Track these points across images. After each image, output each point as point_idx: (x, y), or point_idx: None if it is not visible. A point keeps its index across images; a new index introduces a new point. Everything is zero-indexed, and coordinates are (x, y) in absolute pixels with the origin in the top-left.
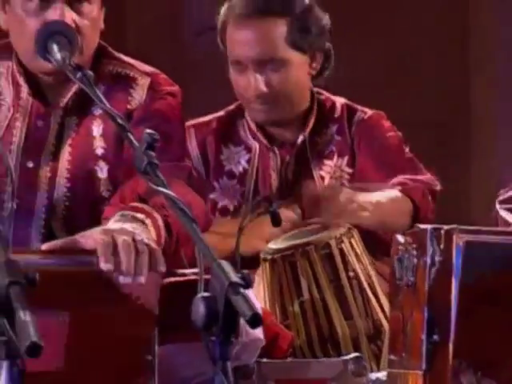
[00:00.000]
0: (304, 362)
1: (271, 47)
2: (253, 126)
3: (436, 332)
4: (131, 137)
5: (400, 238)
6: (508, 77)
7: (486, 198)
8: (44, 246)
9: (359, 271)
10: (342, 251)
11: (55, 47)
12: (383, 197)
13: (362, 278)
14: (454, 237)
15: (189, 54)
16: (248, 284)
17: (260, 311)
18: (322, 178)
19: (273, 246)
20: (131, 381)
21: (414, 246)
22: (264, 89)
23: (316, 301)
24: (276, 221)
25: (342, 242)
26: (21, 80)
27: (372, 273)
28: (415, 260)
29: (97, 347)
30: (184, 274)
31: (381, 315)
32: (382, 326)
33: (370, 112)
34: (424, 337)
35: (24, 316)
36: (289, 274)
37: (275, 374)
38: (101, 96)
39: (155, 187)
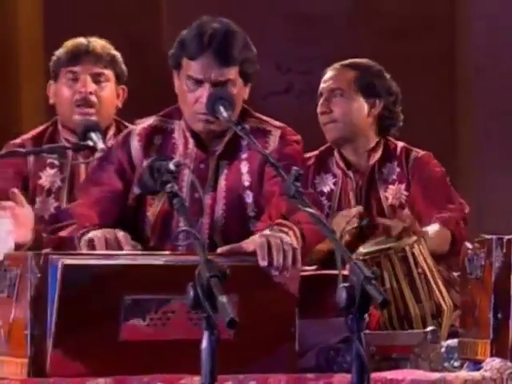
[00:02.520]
0: (395, 333)
1: None
2: (338, 159)
3: (499, 312)
4: (281, 171)
5: (468, 245)
6: (491, 127)
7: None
8: (219, 250)
9: (425, 268)
10: (413, 254)
11: (221, 108)
12: (429, 232)
13: (428, 273)
14: None
15: None
16: (377, 277)
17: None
18: (386, 198)
19: (363, 250)
20: (279, 346)
21: (482, 250)
22: None
23: (395, 289)
24: (366, 232)
25: (414, 247)
26: (188, 135)
27: (434, 270)
28: (482, 261)
29: (256, 320)
30: (306, 271)
31: (441, 300)
32: (441, 307)
33: (421, 152)
34: (491, 315)
35: (223, 299)
36: None
37: (376, 341)
38: (255, 141)
39: (302, 208)
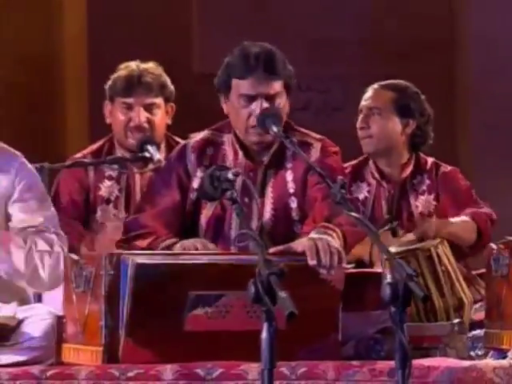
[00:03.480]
0: (426, 325)
1: None
2: (374, 170)
3: None
4: (328, 180)
5: (493, 246)
6: (488, 143)
7: None
8: (271, 251)
9: (448, 266)
10: (438, 254)
11: (272, 124)
12: (457, 220)
13: (450, 271)
14: None
15: None
16: (417, 275)
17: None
18: (417, 206)
19: (393, 250)
20: (326, 335)
21: (507, 250)
22: None
23: (421, 285)
24: (395, 234)
25: (438, 248)
26: (237, 147)
27: (456, 268)
28: (507, 260)
29: (305, 313)
30: (346, 269)
31: (462, 294)
32: (463, 301)
33: (449, 167)
34: None
35: (282, 294)
36: None
37: (408, 332)
38: (302, 153)
39: (347, 212)
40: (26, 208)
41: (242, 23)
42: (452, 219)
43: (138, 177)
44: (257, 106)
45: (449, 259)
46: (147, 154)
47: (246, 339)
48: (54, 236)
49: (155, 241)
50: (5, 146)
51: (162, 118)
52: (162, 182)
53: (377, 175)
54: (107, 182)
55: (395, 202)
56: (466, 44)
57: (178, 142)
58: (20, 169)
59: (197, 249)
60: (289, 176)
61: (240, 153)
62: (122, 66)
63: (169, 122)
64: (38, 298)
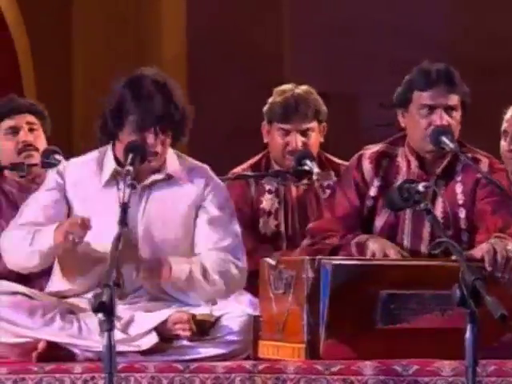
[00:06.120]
0: None
1: None
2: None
3: None
4: (501, 188)
5: None
6: None
7: None
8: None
9: None
10: None
11: (446, 139)
12: None
13: None
14: None
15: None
16: None
17: None
18: None
19: None
20: (503, 336)
21: None
22: None
23: None
24: None
25: None
26: (411, 158)
27: None
28: None
29: (484, 315)
30: None
31: None
32: None
33: None
34: None
35: (490, 298)
36: None
37: None
38: (478, 167)
39: None
40: (215, 223)
41: (330, 47)
42: None
43: (293, 189)
44: (437, 117)
45: None
46: (306, 168)
47: (434, 337)
48: (230, 266)
49: (343, 238)
50: (190, 159)
51: (315, 138)
52: (341, 190)
53: None
54: (268, 196)
55: None
56: None
57: (327, 158)
58: (209, 181)
59: (386, 254)
60: (458, 188)
61: (414, 163)
62: (278, 90)
63: (321, 140)
64: None
